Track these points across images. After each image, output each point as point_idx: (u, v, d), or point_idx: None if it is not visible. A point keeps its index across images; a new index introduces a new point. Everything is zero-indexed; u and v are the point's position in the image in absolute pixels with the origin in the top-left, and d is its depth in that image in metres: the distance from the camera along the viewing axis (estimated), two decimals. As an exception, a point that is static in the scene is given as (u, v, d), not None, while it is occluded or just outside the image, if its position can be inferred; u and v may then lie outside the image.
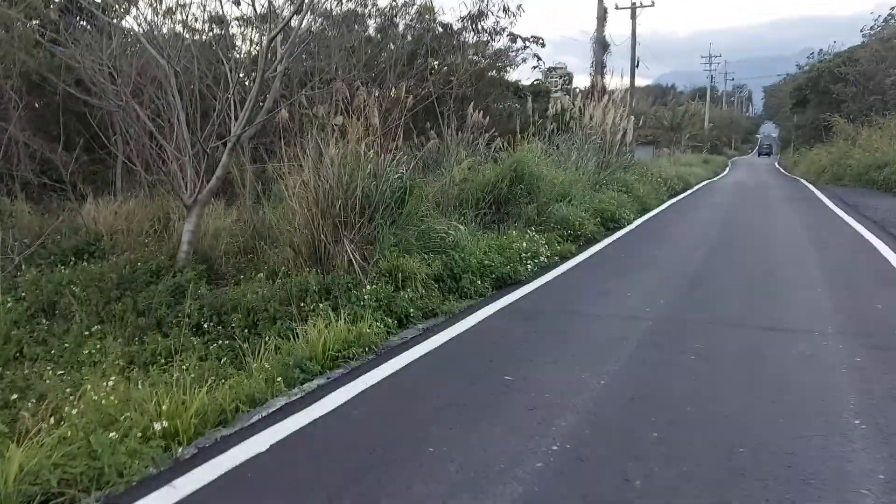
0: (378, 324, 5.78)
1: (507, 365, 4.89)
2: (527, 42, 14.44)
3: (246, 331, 6.00)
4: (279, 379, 4.64)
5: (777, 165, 54.67)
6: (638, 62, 35.10)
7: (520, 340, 5.57)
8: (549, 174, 12.28)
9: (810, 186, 24.67)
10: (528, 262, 8.49)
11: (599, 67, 22.55)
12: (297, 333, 5.52)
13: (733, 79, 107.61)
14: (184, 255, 7.80)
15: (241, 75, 9.14)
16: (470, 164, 10.54)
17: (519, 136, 14.13)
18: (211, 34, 10.41)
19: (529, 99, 18.58)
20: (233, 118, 8.03)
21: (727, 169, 40.65)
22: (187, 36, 9.76)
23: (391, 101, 9.56)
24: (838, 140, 27.44)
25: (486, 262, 7.84)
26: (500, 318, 6.35)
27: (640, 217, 14.50)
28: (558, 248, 9.72)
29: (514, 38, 13.18)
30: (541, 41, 14.68)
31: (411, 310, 6.43)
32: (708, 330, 5.81)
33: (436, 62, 16.72)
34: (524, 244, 8.81)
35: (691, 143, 46.73)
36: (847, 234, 12.13)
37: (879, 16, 34.71)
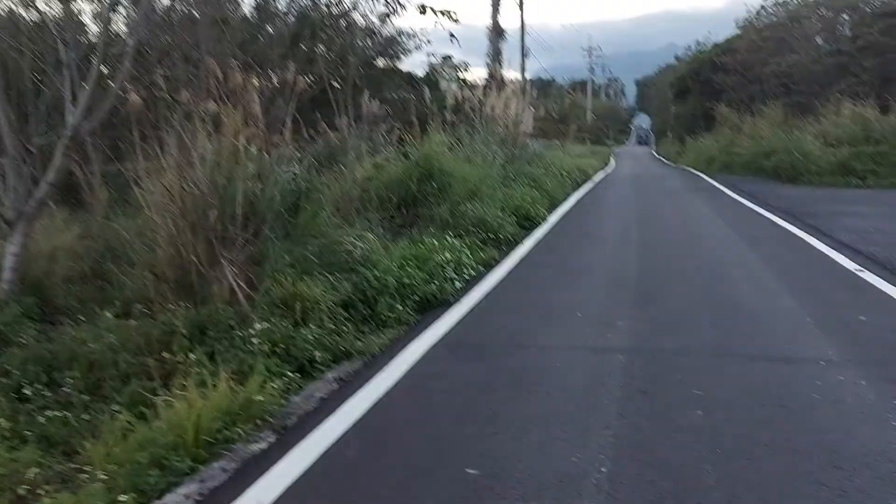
0: (273, 382, 4.20)
1: (464, 446, 3.48)
2: (438, 15, 12.96)
3: (86, 395, 4.26)
4: (124, 498, 3.01)
5: (657, 155, 56.49)
6: (527, 52, 34.78)
7: (470, 400, 4.16)
8: (459, 170, 10.99)
9: (703, 176, 24.85)
10: (454, 276, 7.13)
11: (496, 55, 21.55)
12: (157, 404, 3.87)
13: (611, 71, 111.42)
14: (6, 285, 5.85)
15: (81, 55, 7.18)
16: (374, 160, 9.03)
17: (418, 127, 12.75)
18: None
19: (427, 88, 17.24)
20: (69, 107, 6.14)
21: (613, 159, 41.10)
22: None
23: (275, 86, 7.89)
24: (724, 129, 28.00)
25: (406, 279, 6.38)
26: (435, 359, 4.93)
27: (552, 213, 13.51)
28: (482, 255, 8.43)
29: (423, 9, 11.70)
30: (454, 14, 13.25)
31: (317, 353, 4.90)
32: (693, 364, 4.66)
33: (322, 45, 15.05)
34: (447, 254, 7.44)
35: (579, 135, 47.19)
36: (768, 226, 11.64)
37: (754, 7, 35.99)
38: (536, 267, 8.28)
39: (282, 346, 4.79)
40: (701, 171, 26.72)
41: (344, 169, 8.97)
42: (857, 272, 7.50)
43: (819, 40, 31.58)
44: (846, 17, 31.50)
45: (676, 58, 48.58)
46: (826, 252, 8.78)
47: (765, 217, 12.72)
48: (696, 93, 36.87)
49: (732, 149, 25.39)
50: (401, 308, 5.97)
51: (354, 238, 7.01)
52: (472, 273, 7.66)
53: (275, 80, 8.11)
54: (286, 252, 6.26)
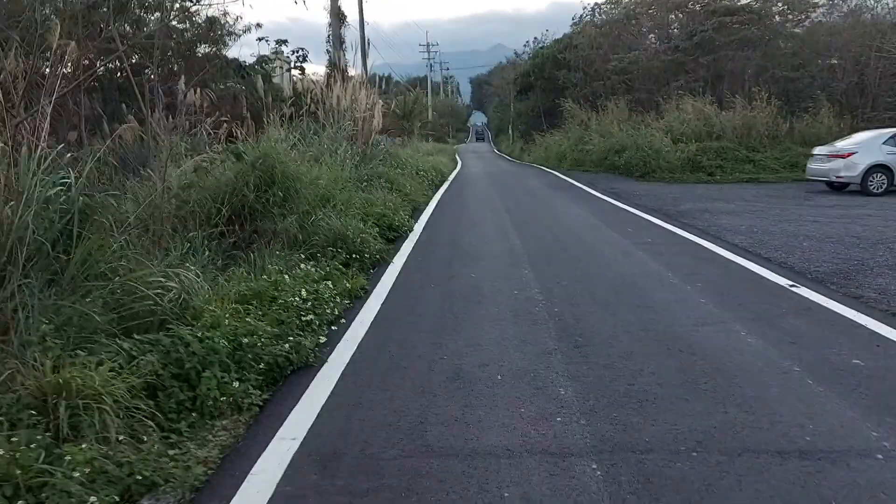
0: None
1: None
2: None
3: None
4: None
5: (499, 152, 56.82)
6: (368, 42, 32.91)
7: None
8: (307, 172, 8.96)
9: (557, 174, 24.30)
10: (314, 319, 5.18)
11: (338, 43, 19.43)
12: None
13: (448, 69, 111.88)
14: None
15: None
16: (197, 162, 6.82)
17: (251, 122, 10.53)
18: None
19: (260, 77, 14.86)
20: None
21: (458, 157, 40.28)
22: None
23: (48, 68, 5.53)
24: (573, 125, 27.84)
25: (245, 337, 4.36)
26: (296, 499, 2.99)
27: (418, 220, 11.82)
28: (346, 284, 6.51)
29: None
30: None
31: (92, 500, 2.83)
32: (703, 479, 3.08)
33: (128, 23, 12.33)
34: (301, 291, 5.46)
35: (423, 132, 46.06)
36: (650, 228, 10.70)
37: (588, 4, 36.71)
38: (418, 298, 6.48)
39: (34, 485, 2.69)
40: (553, 169, 26.28)
41: (153, 174, 6.63)
42: (791, 288, 6.49)
43: (652, 38, 32.60)
44: (675, 16, 32.77)
45: (516, 54, 48.75)
46: (741, 263, 7.79)
47: (644, 218, 11.85)
48: (539, 89, 36.87)
49: (583, 145, 25.16)
50: (238, 386, 3.96)
51: (166, 275, 4.85)
52: (338, 312, 5.75)
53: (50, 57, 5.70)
54: (51, 310, 4.01)
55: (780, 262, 7.82)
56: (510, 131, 57.81)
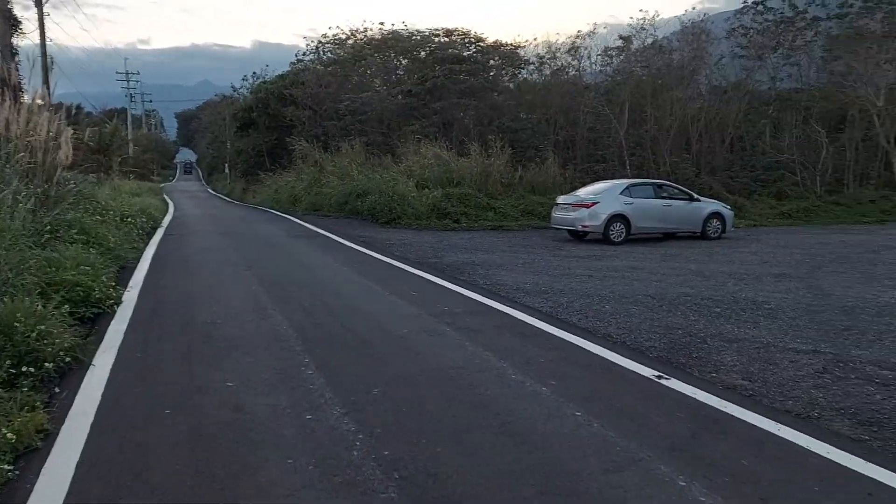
0: None
1: None
2: None
3: None
4: None
5: (215, 192, 52.17)
6: (52, 60, 27.43)
7: None
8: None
9: (294, 218, 21.74)
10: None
11: (9, 53, 14.93)
12: None
13: (151, 101, 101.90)
14: None
15: None
16: None
17: None
18: None
19: None
20: None
21: (169, 198, 35.50)
22: None
23: None
24: (306, 165, 25.66)
25: None
26: None
27: (128, 286, 8.74)
28: (7, 431, 3.63)
29: None
30: None
31: None
32: None
33: None
34: None
35: (123, 169, 40.19)
36: (434, 290, 9.04)
37: (311, 41, 35.13)
38: (142, 448, 3.83)
39: None
40: (287, 213, 23.72)
41: None
42: (659, 380, 5.14)
43: (377, 82, 32.06)
44: (398, 62, 32.71)
45: (234, 88, 45.02)
46: (570, 340, 6.33)
47: (417, 275, 10.18)
48: (263, 126, 34.03)
49: (320, 188, 23.13)
50: None
51: None
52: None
53: None
54: None
55: (604, 334, 6.60)
56: (227, 170, 53.49)
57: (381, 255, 12.64)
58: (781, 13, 27.21)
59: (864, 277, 10.25)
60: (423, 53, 29.85)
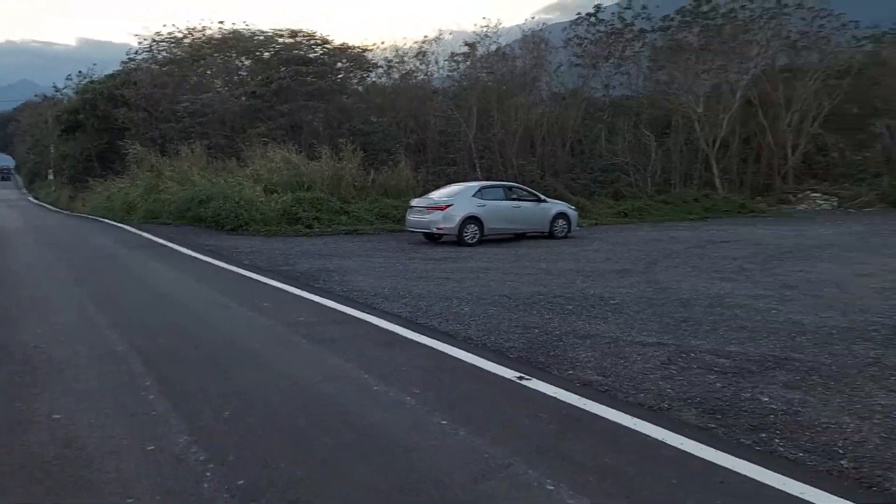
0: None
1: None
2: None
3: None
4: None
5: (37, 200, 47.41)
6: None
7: None
8: None
9: (129, 228, 20.04)
10: None
11: None
12: None
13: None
14: None
15: None
16: None
17: None
18: None
19: None
20: None
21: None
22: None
23: None
24: (141, 171, 23.84)
25: None
26: None
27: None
28: None
29: None
30: None
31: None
32: None
33: None
34: None
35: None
36: (288, 300, 8.66)
37: (144, 39, 32.75)
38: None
39: None
40: (121, 222, 21.87)
41: None
42: (520, 381, 5.17)
43: (218, 83, 30.56)
44: (241, 63, 31.38)
45: (56, 89, 41.10)
46: (434, 346, 6.27)
47: (269, 285, 9.72)
48: (91, 129, 31.25)
49: (158, 194, 21.57)
50: None
51: None
52: None
53: None
54: None
55: (465, 336, 6.60)
56: (52, 176, 48.73)
57: (229, 264, 11.97)
58: (612, 24, 29.12)
59: (695, 271, 11.10)
60: (266, 54, 28.89)
